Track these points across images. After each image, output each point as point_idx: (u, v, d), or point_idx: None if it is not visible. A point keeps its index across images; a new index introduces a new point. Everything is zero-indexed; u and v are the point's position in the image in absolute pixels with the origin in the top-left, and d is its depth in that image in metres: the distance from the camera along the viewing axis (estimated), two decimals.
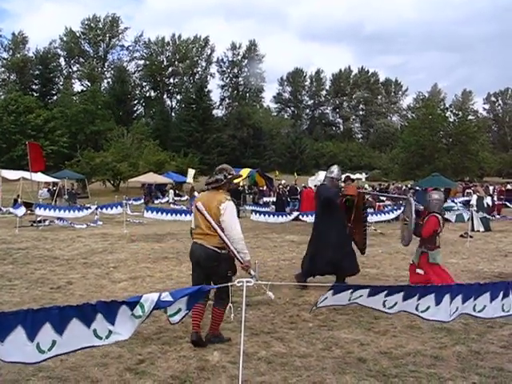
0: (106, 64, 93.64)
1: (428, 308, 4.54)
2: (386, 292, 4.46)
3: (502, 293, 4.72)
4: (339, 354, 5.61)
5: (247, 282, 4.23)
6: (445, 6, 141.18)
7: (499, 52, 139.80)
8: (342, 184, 9.96)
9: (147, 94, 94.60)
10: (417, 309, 4.53)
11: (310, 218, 18.62)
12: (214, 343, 5.84)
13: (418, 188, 23.97)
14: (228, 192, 6.00)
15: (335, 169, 9.44)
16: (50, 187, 36.27)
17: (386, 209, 22.07)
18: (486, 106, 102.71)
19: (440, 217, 7.93)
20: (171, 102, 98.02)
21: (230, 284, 5.03)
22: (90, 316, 3.67)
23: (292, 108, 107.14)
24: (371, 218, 18.50)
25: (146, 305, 3.77)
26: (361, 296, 4.46)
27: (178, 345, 5.85)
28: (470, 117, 56.56)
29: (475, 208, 17.88)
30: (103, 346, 3.98)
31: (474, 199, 19.54)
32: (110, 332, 3.76)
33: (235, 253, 5.57)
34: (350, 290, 4.46)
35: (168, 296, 3.83)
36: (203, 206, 5.75)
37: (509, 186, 37.69)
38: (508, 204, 29.62)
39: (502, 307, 4.77)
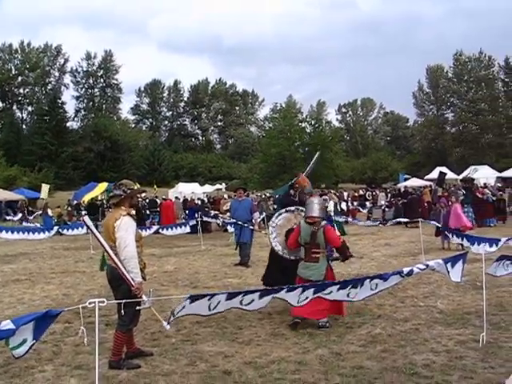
0: None
1: (252, 301, 4.93)
2: (242, 294, 4.92)
3: (350, 285, 5.27)
4: (204, 368, 5.49)
5: (100, 302, 3.95)
6: (299, 22, 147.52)
7: (348, 66, 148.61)
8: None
9: None
10: (241, 303, 4.88)
11: (170, 232, 18.25)
12: (123, 368, 5.44)
13: (277, 196, 24.55)
14: (131, 208, 5.73)
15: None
16: None
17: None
18: (339, 117, 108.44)
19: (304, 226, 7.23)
20: (22, 113, 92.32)
21: (121, 302, 4.99)
22: None
23: (150, 119, 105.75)
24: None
25: None
26: (219, 302, 4.75)
27: (30, 375, 5.38)
28: (324, 127, 59.04)
29: (332, 213, 18.53)
30: None
31: (331, 205, 20.17)
32: None
33: (125, 273, 5.25)
34: (208, 297, 4.74)
35: (9, 324, 3.39)
36: (103, 225, 5.64)
37: (361, 192, 40.01)
38: (360, 209, 31.25)
39: (348, 295, 5.28)
